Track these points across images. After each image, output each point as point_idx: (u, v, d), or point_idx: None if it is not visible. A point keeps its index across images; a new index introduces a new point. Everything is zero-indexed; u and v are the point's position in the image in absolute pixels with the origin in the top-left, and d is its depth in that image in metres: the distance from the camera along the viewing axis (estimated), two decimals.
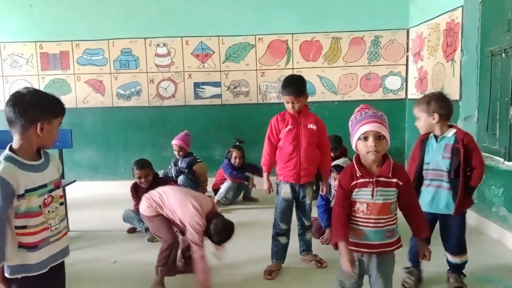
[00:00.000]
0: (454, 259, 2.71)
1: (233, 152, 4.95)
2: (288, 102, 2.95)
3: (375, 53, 5.52)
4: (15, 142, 1.70)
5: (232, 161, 4.93)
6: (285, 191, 3.01)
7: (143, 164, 3.82)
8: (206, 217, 2.76)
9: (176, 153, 4.85)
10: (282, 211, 3.04)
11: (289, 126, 2.96)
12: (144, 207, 2.91)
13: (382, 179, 1.91)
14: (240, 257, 3.31)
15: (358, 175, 1.93)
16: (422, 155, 2.65)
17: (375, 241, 1.92)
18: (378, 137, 1.87)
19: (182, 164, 4.80)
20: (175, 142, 4.84)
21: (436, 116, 2.56)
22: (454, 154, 2.53)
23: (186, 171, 4.75)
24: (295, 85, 2.96)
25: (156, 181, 3.70)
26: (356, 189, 1.94)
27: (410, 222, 2.02)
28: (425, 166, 2.64)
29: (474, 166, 2.55)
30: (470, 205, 2.68)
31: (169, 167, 4.90)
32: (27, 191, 1.66)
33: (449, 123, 2.63)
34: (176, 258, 2.86)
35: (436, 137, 2.63)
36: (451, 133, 2.58)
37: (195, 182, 4.76)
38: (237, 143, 5.16)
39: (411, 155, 2.77)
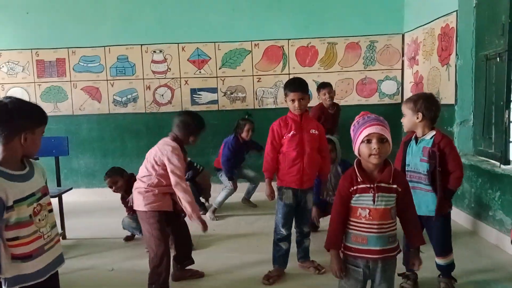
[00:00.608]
0: (438, 260, 2.74)
1: (246, 125, 4.74)
2: (294, 100, 2.93)
3: (370, 58, 5.54)
4: None
5: (244, 134, 4.74)
6: (287, 196, 3.00)
7: (107, 174, 3.87)
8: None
9: None
10: (284, 216, 3.03)
11: (293, 132, 2.95)
12: (140, 201, 2.81)
13: (383, 184, 1.92)
14: (237, 263, 3.31)
15: (359, 180, 1.93)
16: (404, 157, 2.70)
17: (378, 247, 1.93)
18: (381, 140, 1.88)
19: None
20: None
21: (420, 115, 2.59)
22: (431, 157, 2.56)
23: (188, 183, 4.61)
24: (301, 82, 3.03)
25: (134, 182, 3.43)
26: (356, 195, 1.94)
27: (404, 229, 2.04)
28: (406, 168, 2.68)
29: (450, 170, 2.57)
30: (449, 208, 2.68)
31: None
32: (15, 202, 1.63)
33: (432, 126, 2.65)
34: (168, 272, 2.83)
35: (416, 139, 2.66)
36: (430, 135, 2.61)
37: (198, 189, 4.69)
38: (246, 117, 4.97)
39: (396, 157, 2.79)
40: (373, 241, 1.92)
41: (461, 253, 3.28)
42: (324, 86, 4.80)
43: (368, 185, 1.91)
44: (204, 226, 2.79)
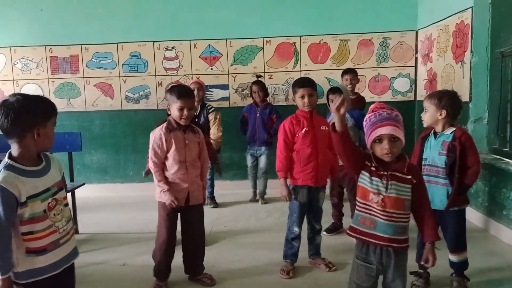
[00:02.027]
0: (451, 257, 2.72)
1: (253, 86, 4.95)
2: (304, 96, 2.94)
3: (383, 55, 5.49)
4: (14, 150, 1.69)
5: (254, 95, 4.94)
6: (302, 195, 3.00)
7: None
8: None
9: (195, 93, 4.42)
10: (299, 216, 3.03)
11: (305, 128, 2.96)
12: (156, 191, 2.86)
13: (396, 173, 1.93)
14: (248, 259, 3.32)
15: (373, 164, 1.95)
16: (422, 152, 2.69)
17: (387, 235, 1.93)
18: (393, 139, 1.89)
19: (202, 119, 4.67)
20: (194, 81, 4.79)
21: (444, 112, 2.59)
22: (450, 151, 2.55)
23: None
24: (310, 79, 3.07)
25: None
26: (371, 176, 1.94)
27: (418, 223, 2.03)
28: (423, 162, 2.68)
29: (469, 164, 2.57)
30: (464, 204, 2.67)
31: None
32: (29, 198, 1.64)
33: (452, 123, 2.65)
34: (165, 262, 2.88)
35: (435, 134, 2.66)
36: (450, 131, 2.61)
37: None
38: (257, 79, 5.11)
39: (413, 152, 2.79)
40: (382, 228, 1.93)
41: (474, 252, 3.24)
42: (346, 72, 4.71)
43: (382, 172, 1.93)
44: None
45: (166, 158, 2.80)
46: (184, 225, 2.94)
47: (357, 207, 2.00)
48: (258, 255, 3.39)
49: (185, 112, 2.73)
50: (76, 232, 3.98)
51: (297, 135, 2.96)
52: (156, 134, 2.81)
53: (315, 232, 3.15)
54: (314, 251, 3.17)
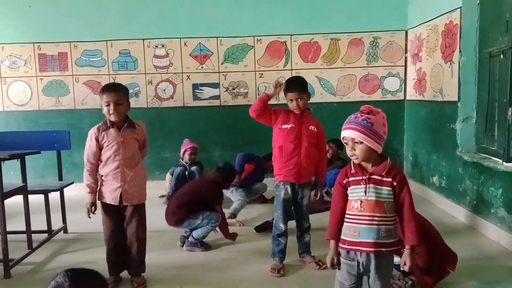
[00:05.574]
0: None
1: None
2: (292, 100, 2.99)
3: (373, 54, 5.53)
4: None
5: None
6: (286, 191, 3.02)
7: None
8: None
9: (191, 157, 4.94)
10: (283, 212, 3.04)
11: (292, 124, 3.00)
12: None
13: (375, 177, 1.96)
14: (238, 258, 3.32)
15: (351, 172, 1.99)
16: None
17: (370, 239, 1.93)
18: (356, 142, 1.93)
19: (194, 171, 4.85)
20: (191, 145, 4.95)
21: None
22: None
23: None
24: (298, 82, 3.10)
25: None
26: (350, 187, 1.99)
27: (400, 226, 2.01)
28: None
29: None
30: None
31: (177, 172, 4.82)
32: None
33: None
34: (110, 261, 2.88)
35: None
36: None
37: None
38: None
39: None
40: (365, 233, 1.94)
41: (462, 250, 3.28)
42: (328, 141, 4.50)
43: (361, 177, 1.97)
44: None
45: (100, 156, 2.78)
46: (124, 224, 2.88)
47: (344, 219, 2.01)
48: (250, 255, 3.39)
49: (112, 106, 2.70)
50: (65, 231, 3.94)
51: (280, 126, 3.01)
52: (89, 134, 2.79)
53: (303, 231, 3.15)
54: (304, 249, 3.17)
